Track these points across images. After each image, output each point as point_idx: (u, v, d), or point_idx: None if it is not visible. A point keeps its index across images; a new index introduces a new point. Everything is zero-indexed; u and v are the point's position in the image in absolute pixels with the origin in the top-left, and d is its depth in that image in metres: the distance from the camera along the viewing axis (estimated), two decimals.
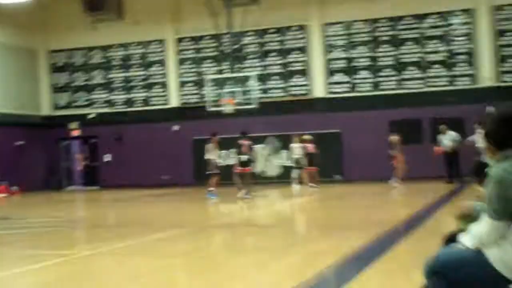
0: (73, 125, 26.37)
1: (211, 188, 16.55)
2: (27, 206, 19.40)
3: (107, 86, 26.27)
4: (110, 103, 26.22)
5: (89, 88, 26.55)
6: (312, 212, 14.39)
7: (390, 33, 22.81)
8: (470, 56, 22.00)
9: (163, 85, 25.53)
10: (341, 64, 23.38)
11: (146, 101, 25.73)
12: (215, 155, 16.69)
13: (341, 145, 22.64)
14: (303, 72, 23.80)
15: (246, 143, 16.72)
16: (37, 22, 26.47)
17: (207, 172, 16.80)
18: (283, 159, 23.30)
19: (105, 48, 26.29)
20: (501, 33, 21.68)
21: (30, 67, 26.66)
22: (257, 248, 8.46)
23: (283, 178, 22.76)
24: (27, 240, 10.42)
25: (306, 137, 20.16)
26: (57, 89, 27.05)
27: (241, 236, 10.13)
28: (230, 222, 12.38)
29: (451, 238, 4.12)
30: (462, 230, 4.29)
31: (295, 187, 20.00)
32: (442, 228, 9.26)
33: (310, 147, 19.96)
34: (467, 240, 3.61)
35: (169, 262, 7.71)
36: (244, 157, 16.59)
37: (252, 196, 16.26)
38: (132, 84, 25.93)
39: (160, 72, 25.61)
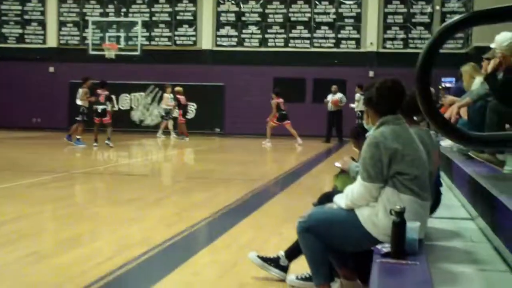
0: None
1: (78, 136, 15.80)
2: None
3: None
4: None
5: None
6: (189, 164, 14.16)
7: None
8: (357, 21, 22.38)
9: (41, 23, 23.90)
10: (231, 17, 23.00)
11: (20, 38, 24.00)
12: (84, 101, 15.93)
13: (224, 99, 22.46)
14: (192, 23, 23.18)
15: (103, 93, 16.11)
16: None
17: (76, 118, 16.02)
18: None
19: None
20: (387, 0, 22.18)
21: None
22: (130, 198, 8.09)
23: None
24: None
25: (177, 88, 19.85)
26: None
27: (114, 185, 9.72)
28: (103, 170, 11.87)
29: (326, 197, 4.11)
30: (337, 189, 4.26)
31: (161, 136, 19.83)
32: (316, 185, 9.37)
33: (182, 98, 19.69)
34: (341, 200, 3.64)
35: (38, 209, 7.28)
36: (100, 107, 15.96)
37: (113, 145, 15.71)
38: (5, 18, 24.03)
39: (38, 8, 23.92)
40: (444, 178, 6.65)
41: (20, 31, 23.96)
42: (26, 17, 23.93)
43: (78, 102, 16.02)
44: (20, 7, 23.92)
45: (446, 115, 5.76)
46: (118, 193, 8.67)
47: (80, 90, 16.07)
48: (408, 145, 3.42)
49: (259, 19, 22.85)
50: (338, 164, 4.40)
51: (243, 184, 9.51)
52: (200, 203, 7.87)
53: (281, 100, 18.76)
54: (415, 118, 4.15)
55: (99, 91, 16.06)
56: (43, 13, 23.86)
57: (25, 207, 7.24)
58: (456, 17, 1.77)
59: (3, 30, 24.01)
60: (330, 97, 20.02)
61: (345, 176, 4.34)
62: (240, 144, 19.29)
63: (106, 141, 15.68)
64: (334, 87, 20.22)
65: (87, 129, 16.20)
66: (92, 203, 8.08)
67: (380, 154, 3.36)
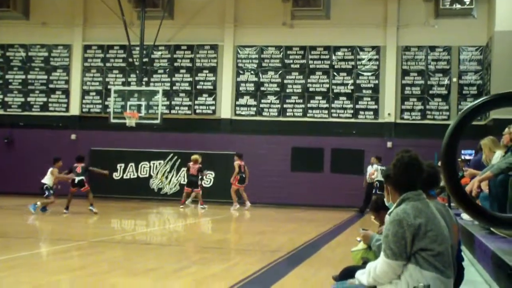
0: None
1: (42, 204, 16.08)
2: None
3: (3, 87, 24.86)
4: (4, 104, 24.81)
5: None
6: (207, 233, 14.09)
7: (301, 61, 23.11)
8: (375, 92, 22.63)
9: (65, 91, 24.51)
10: (250, 87, 23.40)
11: (45, 106, 24.55)
12: (50, 180, 16.26)
13: None
14: (211, 92, 23.60)
15: (80, 165, 16.44)
16: None
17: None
18: (181, 177, 22.86)
19: (4, 47, 24.94)
20: (405, 72, 22.47)
21: None
22: (148, 269, 8.04)
23: (180, 196, 22.33)
24: None
25: (193, 156, 19.86)
26: None
27: (132, 255, 9.66)
28: (120, 239, 11.84)
29: (347, 272, 4.06)
30: (358, 265, 4.22)
31: (189, 206, 19.89)
32: (336, 257, 9.25)
33: (195, 167, 19.53)
34: (363, 276, 3.61)
35: (54, 279, 7.21)
36: (77, 178, 16.25)
37: (96, 210, 15.93)
38: (31, 87, 24.69)
39: (63, 78, 24.58)
40: (466, 252, 6.55)
41: (45, 99, 24.54)
42: (51, 86, 24.56)
43: (45, 180, 16.31)
44: (45, 76, 24.60)
45: (467, 189, 5.74)
46: (135, 263, 8.62)
47: (50, 169, 16.42)
48: (430, 221, 3.41)
49: (277, 89, 23.20)
50: (359, 238, 4.39)
51: (261, 255, 9.42)
52: (219, 274, 7.79)
53: (242, 162, 19.32)
54: (432, 191, 4.14)
55: (75, 164, 16.52)
56: (67, 82, 24.49)
57: (42, 276, 7.20)
58: (478, 100, 1.82)
59: (29, 99, 24.61)
60: (369, 169, 19.87)
61: (366, 249, 4.31)
62: (258, 213, 19.21)
63: (90, 207, 16.01)
64: (372, 159, 20.10)
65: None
66: (110, 274, 8.02)
67: (404, 231, 3.35)
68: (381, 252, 3.51)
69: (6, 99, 24.79)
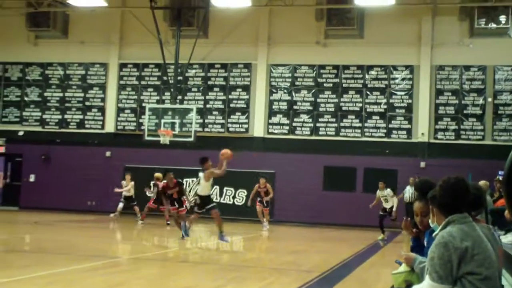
0: None
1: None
2: None
3: (42, 104, 25.42)
4: (42, 122, 25.34)
5: (22, 105, 25.61)
6: (240, 252, 14.12)
7: (334, 80, 23.14)
8: (408, 111, 22.50)
9: (101, 109, 24.94)
10: (283, 105, 23.49)
11: (81, 124, 25.01)
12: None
13: (274, 186, 22.53)
14: (244, 111, 23.76)
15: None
16: None
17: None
18: (213, 195, 22.97)
19: (43, 65, 25.53)
20: (439, 92, 22.33)
21: None
22: (185, 287, 8.10)
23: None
24: None
25: (157, 174, 19.75)
26: None
27: (166, 273, 9.75)
28: (154, 256, 11.94)
29: None
30: (399, 287, 4.20)
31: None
32: (370, 279, 9.20)
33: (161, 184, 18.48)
34: None
35: None
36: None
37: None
38: (68, 105, 25.19)
39: (99, 95, 25.03)
40: (506, 277, 6.47)
41: (81, 116, 24.99)
42: (87, 103, 25.02)
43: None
44: (82, 94, 25.08)
45: None
46: (170, 281, 8.68)
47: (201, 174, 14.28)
48: (477, 244, 3.39)
49: (310, 108, 23.25)
50: (400, 261, 4.34)
51: (296, 275, 9.41)
52: None
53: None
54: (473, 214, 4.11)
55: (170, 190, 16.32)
56: (103, 99, 24.91)
57: None
58: None
59: (66, 116, 25.10)
60: (408, 189, 19.64)
61: (409, 272, 4.27)
62: (290, 232, 19.19)
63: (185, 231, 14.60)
64: (411, 179, 19.74)
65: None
66: None
67: (450, 254, 3.33)
68: (424, 275, 3.50)
69: (44, 116, 25.32)
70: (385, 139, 22.52)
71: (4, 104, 25.77)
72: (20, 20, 24.51)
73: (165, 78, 23.74)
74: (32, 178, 24.62)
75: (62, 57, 25.24)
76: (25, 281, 7.83)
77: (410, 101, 22.53)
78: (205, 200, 13.29)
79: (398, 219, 16.28)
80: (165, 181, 16.64)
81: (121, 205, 20.34)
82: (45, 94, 25.42)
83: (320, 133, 23.09)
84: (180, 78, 23.62)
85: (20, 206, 24.44)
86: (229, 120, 23.85)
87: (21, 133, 25.32)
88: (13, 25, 24.86)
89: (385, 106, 22.68)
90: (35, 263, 9.74)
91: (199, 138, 22.12)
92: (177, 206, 16.12)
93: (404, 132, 22.51)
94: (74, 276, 8.61)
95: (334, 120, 23.05)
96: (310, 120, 23.22)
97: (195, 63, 23.82)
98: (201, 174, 13.45)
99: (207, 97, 24.10)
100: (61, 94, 25.28)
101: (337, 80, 23.11)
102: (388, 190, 17.12)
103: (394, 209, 17.05)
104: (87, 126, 24.99)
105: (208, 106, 24.04)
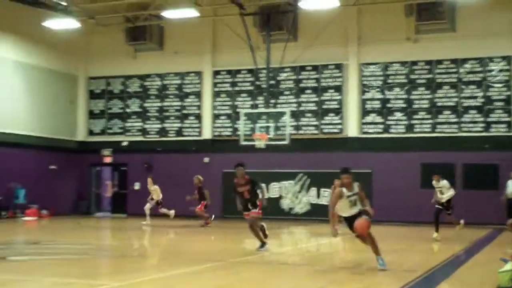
0: (106, 152, 26.75)
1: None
2: (55, 230, 19.58)
3: (142, 114, 26.64)
4: (143, 131, 26.55)
5: (124, 116, 26.96)
6: (341, 253, 14.25)
7: (427, 76, 22.78)
8: (507, 103, 21.79)
9: (197, 116, 25.80)
10: (376, 104, 23.37)
11: (179, 132, 25.99)
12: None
13: (371, 186, 22.48)
14: (338, 111, 23.83)
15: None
16: (79, 48, 27.16)
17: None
18: (311, 197, 23.28)
19: (142, 77, 26.75)
20: None
21: (69, 92, 27.23)
22: None
23: (311, 215, 22.77)
24: (57, 267, 10.50)
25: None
26: (93, 115, 27.54)
27: (269, 275, 10.05)
28: (256, 259, 12.31)
29: None
30: (507, 287, 4.24)
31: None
32: (475, 279, 9.11)
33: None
34: None
35: None
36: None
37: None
38: (167, 114, 26.25)
39: (195, 103, 25.90)
40: None
41: (179, 124, 25.97)
42: (184, 111, 25.96)
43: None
44: (179, 103, 26.06)
45: None
46: (274, 284, 8.96)
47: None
48: None
49: (404, 105, 23.00)
50: (506, 259, 4.34)
51: (399, 274, 9.47)
52: None
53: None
54: None
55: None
56: (199, 107, 25.76)
57: None
58: None
59: (165, 125, 26.17)
60: (510, 183, 19.14)
61: None
62: (388, 231, 19.08)
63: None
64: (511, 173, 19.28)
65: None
66: None
67: None
68: None
69: (145, 126, 26.53)
70: (484, 134, 21.92)
71: (109, 117, 27.24)
72: (120, 35, 25.80)
73: (257, 82, 24.26)
74: (137, 186, 25.89)
75: (159, 68, 26.35)
76: (135, 285, 8.34)
77: (508, 93, 21.81)
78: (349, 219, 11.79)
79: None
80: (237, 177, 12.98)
81: (164, 210, 21.10)
82: (145, 104, 26.63)
83: (415, 130, 22.80)
84: (272, 82, 24.04)
85: (127, 213, 25.76)
86: (323, 122, 24.00)
87: (125, 143, 26.66)
88: (114, 40, 26.24)
89: (482, 100, 22.07)
90: (144, 267, 10.35)
91: (294, 141, 22.43)
92: (250, 208, 12.92)
93: (504, 125, 21.81)
94: (177, 279, 9.03)
95: (429, 116, 22.69)
96: (405, 117, 22.97)
97: (286, 67, 24.16)
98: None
99: (300, 100, 24.38)
100: (159, 104, 26.40)
101: (430, 75, 22.74)
102: (445, 181, 16.54)
103: (445, 199, 16.34)
104: (185, 133, 25.93)
105: (301, 108, 24.31)
